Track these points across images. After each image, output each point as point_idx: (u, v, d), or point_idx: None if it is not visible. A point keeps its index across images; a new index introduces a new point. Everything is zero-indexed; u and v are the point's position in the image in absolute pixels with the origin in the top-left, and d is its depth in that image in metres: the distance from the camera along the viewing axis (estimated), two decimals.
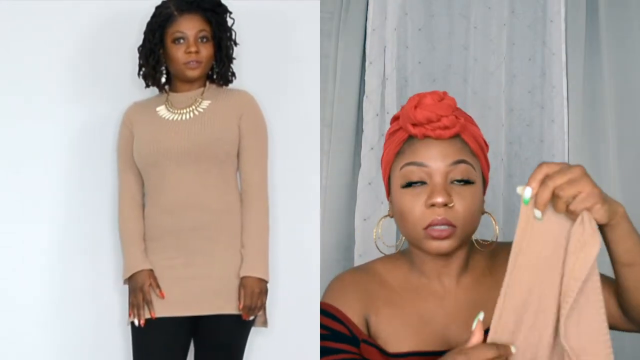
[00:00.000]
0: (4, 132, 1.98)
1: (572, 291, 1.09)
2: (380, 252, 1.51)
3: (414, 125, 1.36)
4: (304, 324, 1.96)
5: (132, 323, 1.79)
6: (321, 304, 1.46)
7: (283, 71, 2.09)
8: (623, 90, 2.13)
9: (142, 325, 1.77)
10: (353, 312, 1.42)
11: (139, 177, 1.88)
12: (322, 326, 1.42)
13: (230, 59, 1.91)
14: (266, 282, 1.83)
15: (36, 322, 1.97)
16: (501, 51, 2.18)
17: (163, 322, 1.78)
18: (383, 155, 1.46)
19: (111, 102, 1.99)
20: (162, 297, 1.78)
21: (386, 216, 1.47)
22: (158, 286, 1.79)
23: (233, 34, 1.91)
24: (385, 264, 1.50)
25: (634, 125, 2.13)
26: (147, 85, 1.91)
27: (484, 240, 1.47)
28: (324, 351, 1.40)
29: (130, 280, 1.81)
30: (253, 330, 1.92)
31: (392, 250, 1.52)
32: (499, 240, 1.46)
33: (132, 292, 1.80)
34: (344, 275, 1.50)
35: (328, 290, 1.48)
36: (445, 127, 1.34)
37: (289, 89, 2.08)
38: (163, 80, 1.91)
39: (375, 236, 1.49)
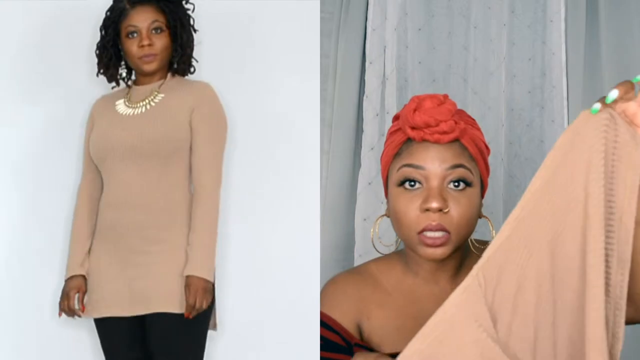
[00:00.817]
0: None
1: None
2: (378, 252, 1.51)
3: (413, 128, 1.35)
4: (304, 323, 1.95)
5: (96, 328, 1.81)
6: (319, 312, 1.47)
7: (283, 71, 2.09)
8: None
9: (59, 316, 1.81)
10: (344, 318, 1.42)
11: (98, 172, 1.86)
12: (320, 336, 1.42)
13: (185, 48, 1.85)
14: (211, 283, 1.75)
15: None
16: (501, 51, 2.18)
17: (114, 321, 1.77)
18: (383, 153, 1.46)
19: (67, 102, 1.97)
20: (82, 310, 1.79)
21: (383, 216, 1.47)
22: (81, 300, 1.79)
23: (191, 21, 1.86)
24: (380, 265, 1.49)
25: None
26: (110, 81, 1.88)
27: (478, 241, 1.47)
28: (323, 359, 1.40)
29: (66, 281, 1.82)
30: (252, 330, 1.93)
31: (391, 250, 1.52)
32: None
33: (62, 293, 1.81)
34: (337, 279, 1.50)
35: (322, 296, 1.48)
36: (444, 132, 1.33)
37: (289, 89, 2.08)
38: (124, 74, 1.89)
39: (372, 235, 1.49)
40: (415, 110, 1.35)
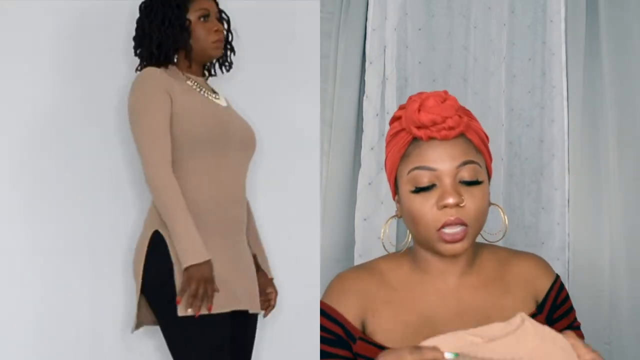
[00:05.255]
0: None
1: None
2: (387, 252, 1.51)
3: (419, 127, 1.35)
4: (304, 323, 1.96)
5: (185, 318, 1.63)
6: (320, 302, 1.47)
7: (283, 71, 2.09)
8: (623, 90, 2.13)
9: (197, 317, 1.62)
10: (349, 312, 1.43)
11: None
12: (320, 327, 1.42)
13: (232, 46, 1.91)
14: None
15: (31, 323, 1.94)
16: (501, 51, 2.18)
17: (225, 316, 1.69)
18: (387, 157, 1.45)
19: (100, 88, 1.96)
20: (217, 291, 1.64)
21: (394, 216, 1.47)
22: (214, 281, 1.65)
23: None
24: (389, 262, 1.50)
25: (634, 125, 2.13)
26: (143, 66, 1.80)
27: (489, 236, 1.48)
28: (322, 353, 1.40)
29: (195, 267, 1.61)
30: None
31: (394, 249, 1.52)
32: (507, 230, 1.47)
33: (195, 281, 1.60)
34: (345, 275, 1.51)
35: (328, 289, 1.49)
36: (451, 128, 1.34)
37: (289, 89, 2.08)
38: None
39: (382, 236, 1.49)
40: (419, 109, 1.35)
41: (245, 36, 1.99)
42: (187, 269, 1.62)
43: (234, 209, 1.76)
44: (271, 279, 1.90)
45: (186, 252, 1.62)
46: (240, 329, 1.79)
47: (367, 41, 2.16)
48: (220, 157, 1.73)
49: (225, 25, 1.89)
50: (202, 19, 1.78)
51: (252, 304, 1.77)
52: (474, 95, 2.18)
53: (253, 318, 1.84)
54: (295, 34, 2.10)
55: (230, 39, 1.89)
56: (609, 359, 2.08)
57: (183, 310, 1.62)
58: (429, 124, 1.33)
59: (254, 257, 1.86)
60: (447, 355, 1.02)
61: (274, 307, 1.90)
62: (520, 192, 2.20)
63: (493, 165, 2.09)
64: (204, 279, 1.61)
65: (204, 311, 1.62)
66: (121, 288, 1.91)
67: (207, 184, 1.71)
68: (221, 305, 1.66)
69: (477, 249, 1.46)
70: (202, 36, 1.78)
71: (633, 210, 2.09)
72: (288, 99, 2.06)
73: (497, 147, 2.15)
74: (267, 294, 1.87)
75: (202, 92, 1.79)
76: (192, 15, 1.77)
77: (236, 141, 1.76)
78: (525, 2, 2.21)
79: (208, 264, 1.63)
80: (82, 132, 1.96)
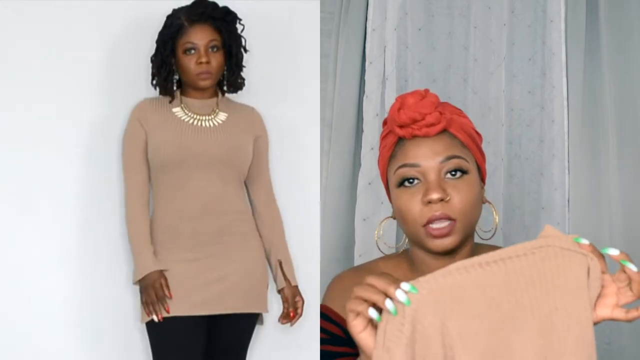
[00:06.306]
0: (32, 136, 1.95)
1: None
2: (382, 252, 1.51)
3: (401, 127, 1.36)
4: (304, 323, 1.96)
5: (148, 324, 1.81)
6: (320, 305, 1.47)
7: (283, 71, 2.09)
8: (623, 90, 2.13)
9: (161, 320, 1.77)
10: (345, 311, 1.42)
11: (147, 176, 1.88)
12: (320, 329, 1.42)
13: (240, 67, 1.93)
14: None
15: (51, 322, 1.94)
16: (501, 51, 2.18)
17: (181, 321, 1.79)
18: (379, 158, 1.46)
19: (128, 105, 1.96)
20: (170, 297, 1.79)
21: (388, 218, 1.47)
22: (167, 286, 1.80)
23: (243, 41, 1.92)
24: (387, 263, 1.49)
25: (634, 125, 2.13)
26: (161, 93, 1.91)
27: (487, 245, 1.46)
28: (323, 355, 1.40)
29: (142, 280, 1.81)
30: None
31: (393, 251, 1.52)
32: (499, 229, 1.46)
33: (145, 291, 1.80)
34: (343, 275, 1.51)
35: (327, 290, 1.49)
36: (431, 125, 1.34)
37: (289, 89, 2.08)
38: (174, 88, 1.92)
39: (376, 237, 1.49)
40: (399, 109, 1.36)
41: (245, 36, 1.99)
42: (139, 283, 1.82)
43: (204, 223, 1.84)
44: (295, 287, 1.94)
45: (135, 270, 1.84)
46: (220, 331, 1.86)
47: (367, 41, 2.16)
48: (183, 176, 1.84)
49: (238, 50, 1.92)
50: (187, 52, 1.84)
51: (219, 306, 1.83)
52: (474, 95, 2.18)
53: (238, 319, 1.86)
54: (295, 34, 2.10)
55: (236, 61, 1.91)
56: (609, 359, 2.08)
57: (145, 317, 1.81)
58: (409, 122, 1.35)
59: (280, 263, 1.94)
60: (404, 285, 1.10)
61: (300, 315, 1.93)
62: (520, 192, 2.19)
63: (493, 166, 2.11)
64: (152, 286, 1.79)
65: (163, 313, 1.78)
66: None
67: (172, 201, 1.86)
68: (175, 310, 1.79)
69: (476, 249, 1.45)
70: (189, 69, 1.85)
71: (633, 210, 2.09)
72: (288, 99, 2.06)
73: (497, 147, 2.15)
74: (295, 302, 1.92)
75: (183, 118, 1.88)
76: (179, 49, 1.85)
77: (204, 161, 1.84)
78: (525, 2, 2.22)
79: (155, 273, 1.80)
80: (101, 139, 1.98)
